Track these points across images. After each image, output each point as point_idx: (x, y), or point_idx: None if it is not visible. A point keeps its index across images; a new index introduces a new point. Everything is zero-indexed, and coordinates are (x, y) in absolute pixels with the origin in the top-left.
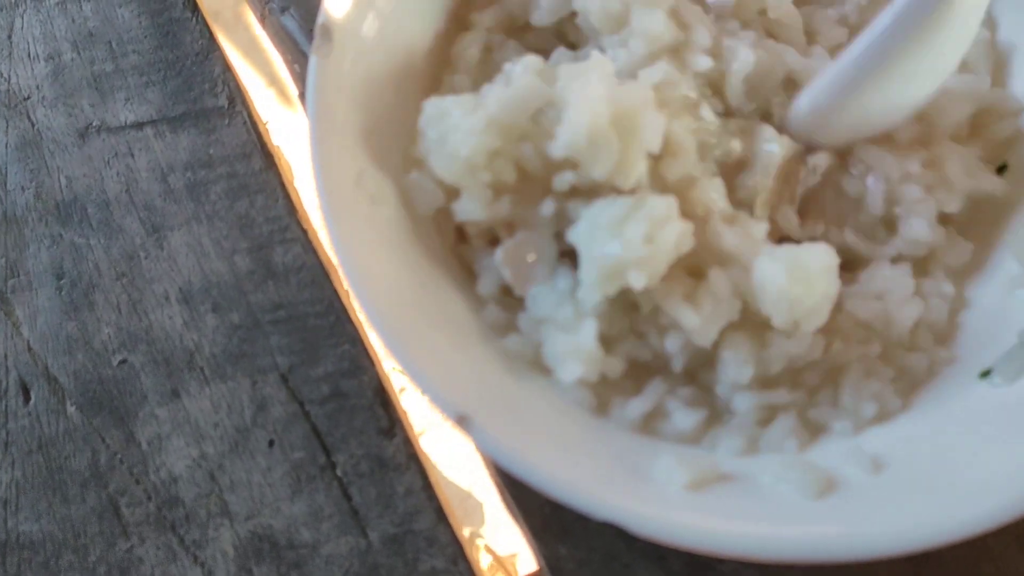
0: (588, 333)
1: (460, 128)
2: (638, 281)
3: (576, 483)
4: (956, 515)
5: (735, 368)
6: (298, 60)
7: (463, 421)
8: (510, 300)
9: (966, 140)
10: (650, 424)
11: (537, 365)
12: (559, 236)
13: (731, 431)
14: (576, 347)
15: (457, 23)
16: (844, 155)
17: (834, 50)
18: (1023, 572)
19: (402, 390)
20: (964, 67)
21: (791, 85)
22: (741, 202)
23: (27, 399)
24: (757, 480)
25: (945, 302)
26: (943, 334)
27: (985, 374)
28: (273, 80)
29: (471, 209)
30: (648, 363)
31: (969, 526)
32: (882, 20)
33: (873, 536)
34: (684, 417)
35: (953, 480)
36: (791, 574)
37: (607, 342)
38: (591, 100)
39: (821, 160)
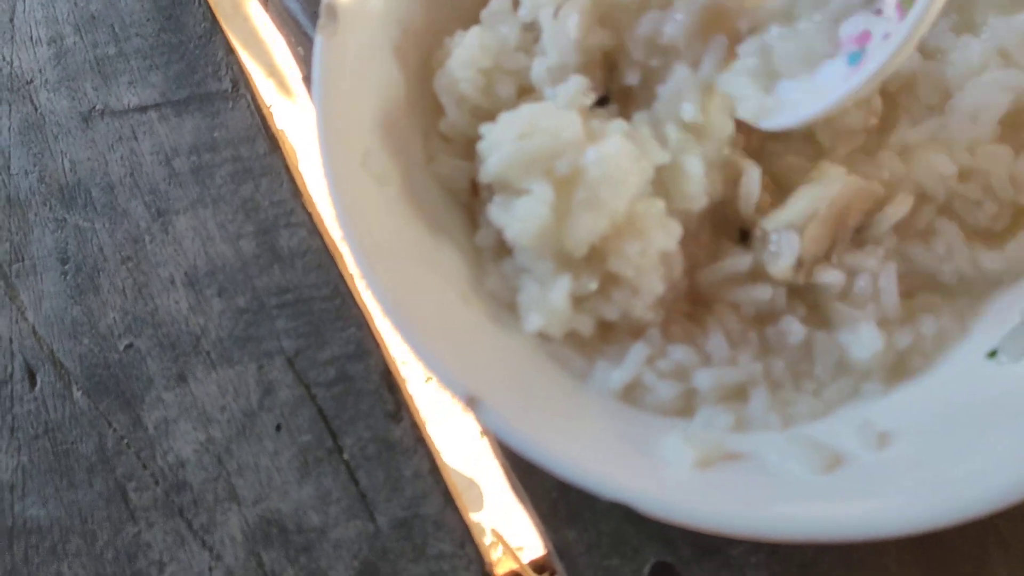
0: (560, 289)
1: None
2: (485, 174)
3: (585, 463)
4: (964, 495)
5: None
6: (301, 42)
7: (473, 402)
8: (505, 252)
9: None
10: (632, 394)
11: (513, 310)
12: None
13: (717, 407)
14: (544, 300)
15: None
16: None
17: None
18: None
19: (404, 381)
20: (1007, 59)
21: None
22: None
23: (33, 384)
24: (764, 458)
25: None
26: None
27: (992, 354)
28: (275, 64)
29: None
30: (620, 324)
31: (977, 506)
32: None
33: (881, 516)
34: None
35: (961, 460)
36: (800, 554)
37: (578, 301)
38: None
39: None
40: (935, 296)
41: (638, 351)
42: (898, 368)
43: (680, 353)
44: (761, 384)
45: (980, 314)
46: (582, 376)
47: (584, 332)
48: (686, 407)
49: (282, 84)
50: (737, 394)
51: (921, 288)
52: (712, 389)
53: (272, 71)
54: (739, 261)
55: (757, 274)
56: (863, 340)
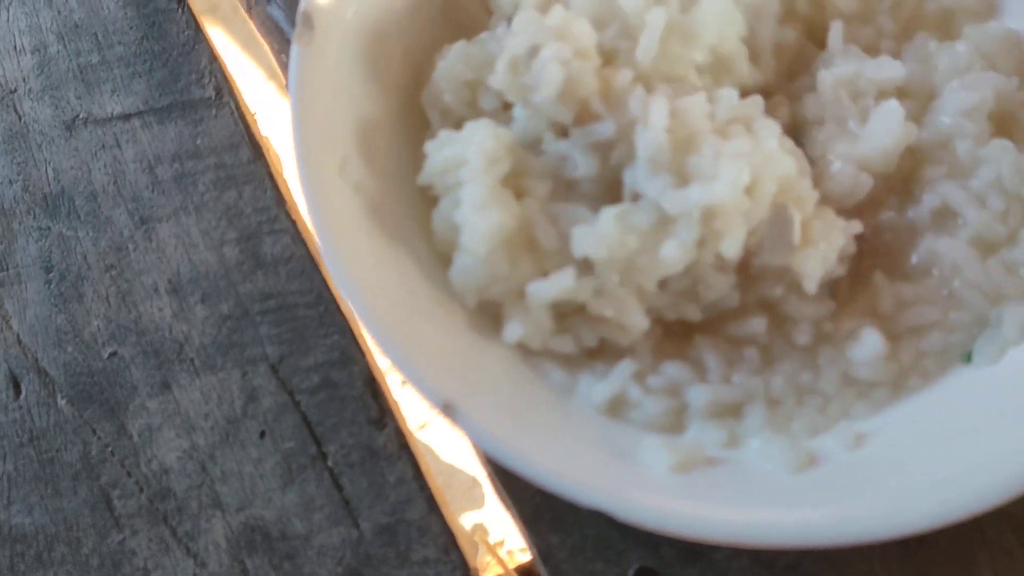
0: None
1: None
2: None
3: (561, 470)
4: (944, 498)
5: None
6: (285, 50)
7: (448, 409)
8: None
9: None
10: (618, 410)
11: (496, 320)
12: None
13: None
14: (526, 312)
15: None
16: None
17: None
18: (1017, 557)
19: (404, 383)
20: (990, 61)
21: None
22: None
23: (17, 392)
24: (741, 459)
25: None
26: None
27: (967, 357)
28: (274, 66)
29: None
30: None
31: (957, 510)
32: None
33: (862, 520)
34: (654, 404)
35: (940, 462)
36: (784, 558)
37: (561, 317)
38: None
39: None
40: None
41: (625, 366)
42: (899, 382)
43: (673, 369)
44: (760, 400)
45: None
46: (566, 390)
47: (565, 351)
48: (676, 424)
49: (282, 87)
50: (732, 411)
51: None
52: (706, 406)
53: (272, 74)
54: (729, 296)
55: (749, 308)
56: (867, 345)
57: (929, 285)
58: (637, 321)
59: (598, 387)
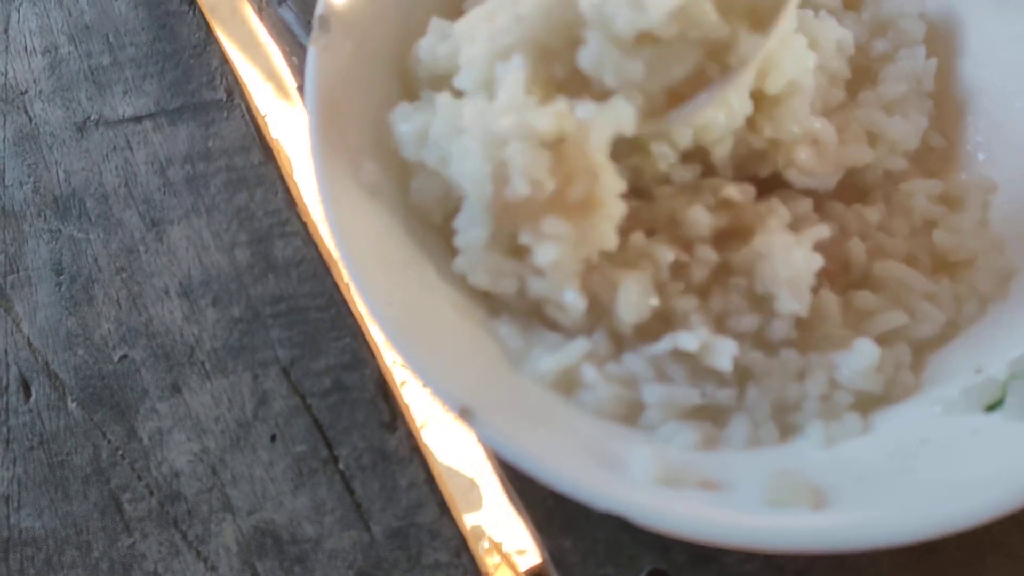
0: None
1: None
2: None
3: (577, 474)
4: (957, 504)
5: None
6: (296, 52)
7: (465, 413)
8: None
9: None
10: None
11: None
12: None
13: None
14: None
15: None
16: None
17: None
18: None
19: (403, 383)
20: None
21: None
22: None
23: (28, 395)
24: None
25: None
26: None
27: (992, 407)
28: (271, 73)
29: None
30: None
31: (971, 516)
32: None
33: (873, 526)
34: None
35: (953, 469)
36: (794, 562)
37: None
38: None
39: None
40: None
41: (579, 344)
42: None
43: (632, 361)
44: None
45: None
46: (518, 359)
47: (509, 292)
48: (628, 414)
49: (281, 88)
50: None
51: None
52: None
53: (271, 75)
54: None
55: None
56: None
57: None
58: (571, 299)
59: (547, 359)
